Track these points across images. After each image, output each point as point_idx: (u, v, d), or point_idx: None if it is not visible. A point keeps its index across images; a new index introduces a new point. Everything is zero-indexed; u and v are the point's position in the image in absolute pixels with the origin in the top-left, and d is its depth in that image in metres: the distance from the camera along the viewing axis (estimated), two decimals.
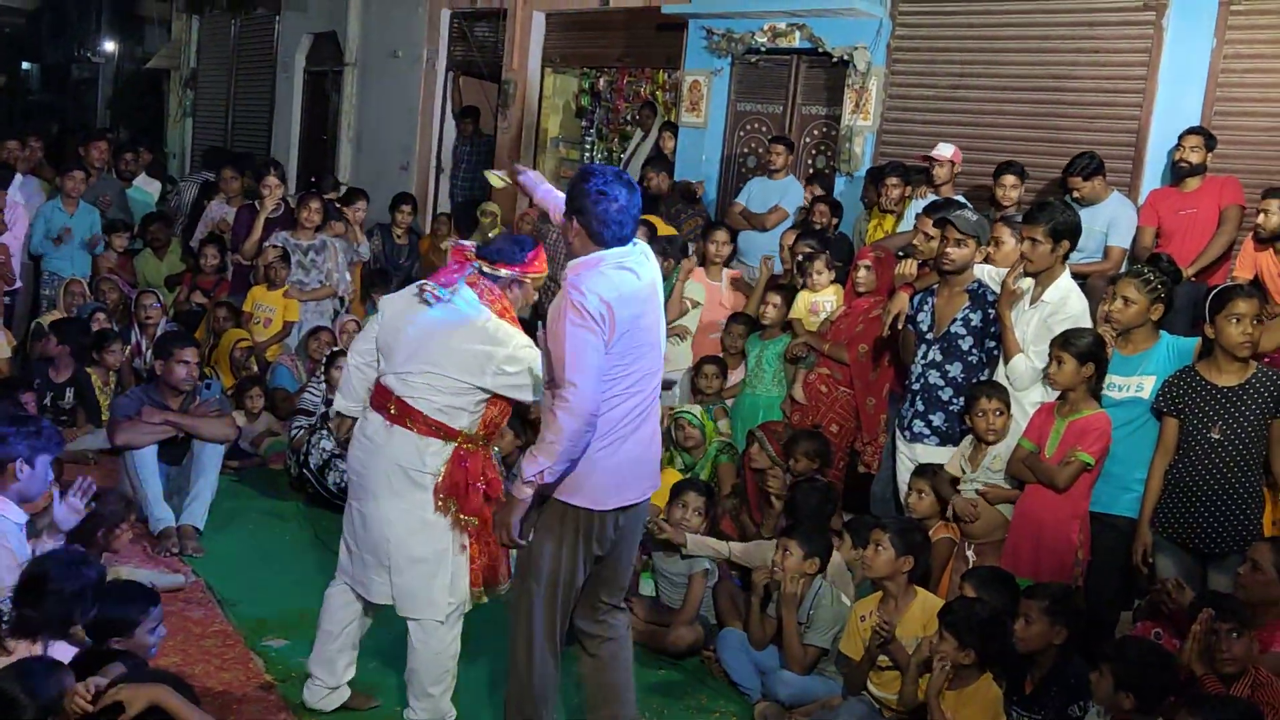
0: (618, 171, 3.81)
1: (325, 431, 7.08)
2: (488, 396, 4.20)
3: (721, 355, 7.18)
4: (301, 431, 7.18)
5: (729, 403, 7.03)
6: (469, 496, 4.20)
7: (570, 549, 3.88)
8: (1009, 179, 7.20)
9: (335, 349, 7.76)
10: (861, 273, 6.58)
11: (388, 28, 13.57)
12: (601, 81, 11.92)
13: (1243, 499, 4.78)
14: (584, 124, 12.23)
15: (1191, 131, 6.97)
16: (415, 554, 4.22)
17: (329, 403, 7.34)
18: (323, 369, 7.53)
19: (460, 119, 12.79)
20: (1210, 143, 6.91)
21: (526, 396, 4.23)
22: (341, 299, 8.92)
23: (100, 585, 3.68)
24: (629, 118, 11.64)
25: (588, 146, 12.13)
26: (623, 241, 3.76)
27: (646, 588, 5.74)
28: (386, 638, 4.74)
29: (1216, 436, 4.78)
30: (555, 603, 3.92)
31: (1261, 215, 6.33)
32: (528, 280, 4.37)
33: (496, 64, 12.32)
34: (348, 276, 8.95)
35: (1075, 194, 7.01)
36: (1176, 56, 7.48)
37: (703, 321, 7.57)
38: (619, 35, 11.33)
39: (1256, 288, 6.24)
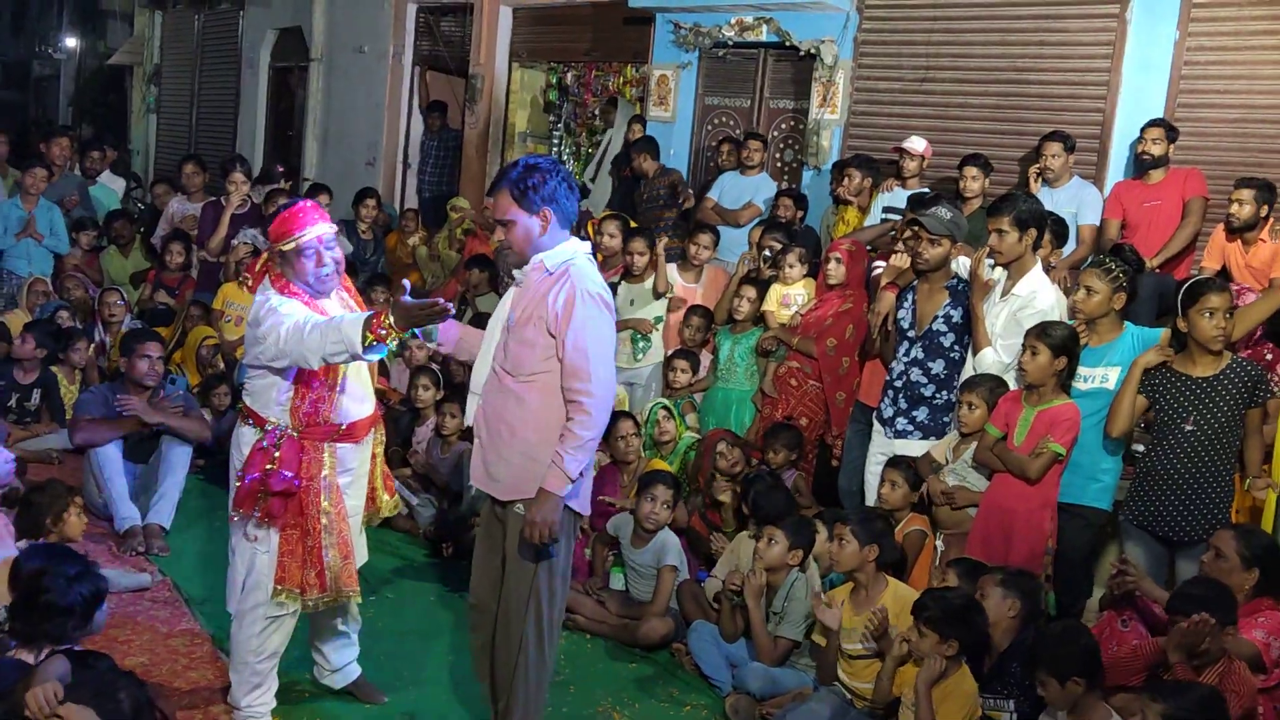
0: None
1: None
2: (284, 375, 4.02)
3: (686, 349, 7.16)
4: None
5: (698, 398, 7.03)
6: (241, 486, 4.07)
7: (568, 549, 3.98)
8: (971, 170, 7.24)
9: None
10: (832, 265, 6.60)
11: (353, 23, 13.49)
12: (569, 76, 11.89)
13: (1213, 489, 4.82)
14: (552, 119, 12.20)
15: (1153, 124, 7.02)
16: (230, 545, 4.26)
17: None
18: None
19: (427, 114, 12.73)
20: (1172, 134, 6.96)
21: (272, 358, 3.95)
22: None
23: (96, 599, 3.65)
24: (597, 113, 11.61)
25: (555, 141, 12.10)
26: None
27: (617, 582, 5.74)
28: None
29: (1190, 428, 4.81)
30: (560, 598, 4.00)
31: (1234, 205, 6.37)
32: (280, 249, 4.04)
33: (463, 59, 12.27)
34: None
35: (1048, 173, 7.09)
36: (1140, 49, 7.53)
37: (674, 321, 7.52)
38: (586, 29, 11.31)
39: (1224, 278, 6.30)
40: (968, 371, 5.43)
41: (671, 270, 7.53)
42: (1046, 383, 4.96)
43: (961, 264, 5.55)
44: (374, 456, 4.36)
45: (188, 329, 8.56)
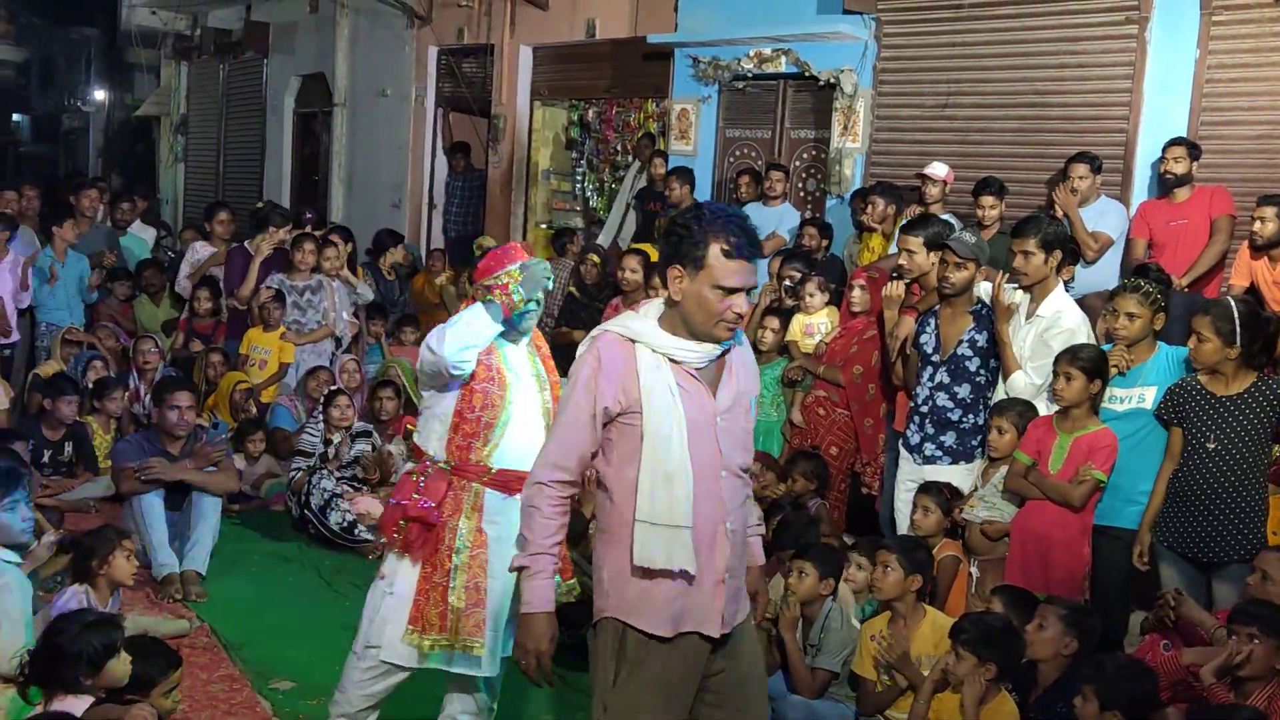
0: None
1: (325, 471, 7.08)
2: (445, 407, 4.00)
3: None
4: (301, 472, 7.18)
5: None
6: (388, 515, 4.07)
7: None
8: (987, 199, 7.24)
9: (334, 388, 7.77)
10: (855, 293, 6.60)
11: (375, 67, 13.64)
12: (590, 113, 11.97)
13: (1243, 508, 4.77)
14: (574, 156, 12.28)
15: (1175, 143, 7.00)
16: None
17: (328, 443, 7.36)
18: (321, 409, 7.53)
19: (451, 154, 12.84)
20: (1194, 153, 6.94)
21: (430, 368, 3.95)
22: (338, 339, 8.92)
23: (108, 649, 3.70)
24: (620, 148, 11.68)
25: (578, 178, 12.17)
26: None
27: None
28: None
29: (1213, 446, 4.78)
30: None
31: (1257, 223, 6.35)
32: (484, 283, 4.01)
33: (485, 99, 12.37)
34: (345, 316, 8.96)
35: (1073, 191, 7.08)
36: (1160, 68, 7.51)
37: None
38: (606, 66, 11.39)
39: (1252, 294, 6.26)
40: (997, 395, 5.41)
41: None
42: (1082, 406, 4.94)
43: (983, 289, 5.55)
44: None
45: (210, 377, 8.63)
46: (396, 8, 13.26)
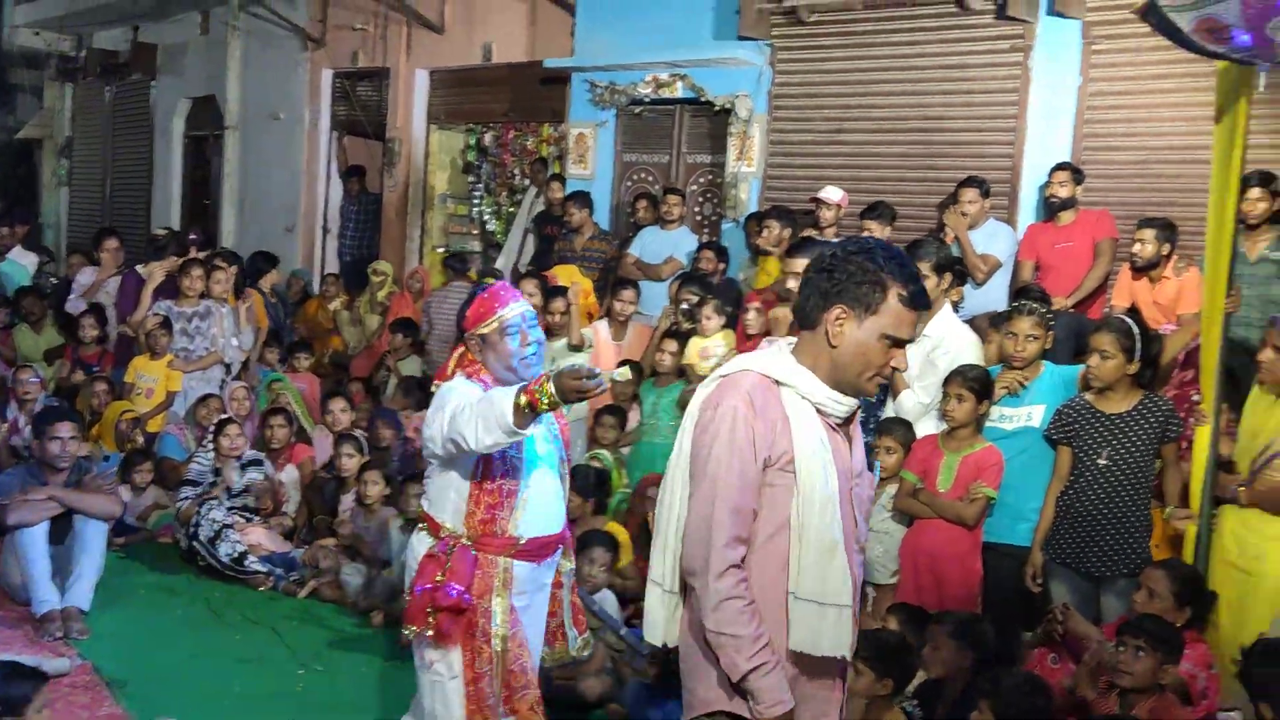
0: None
1: (215, 501, 6.92)
2: (459, 475, 3.69)
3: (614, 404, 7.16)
4: (189, 503, 7.01)
5: (625, 451, 7.02)
6: (411, 600, 3.70)
7: None
8: (873, 224, 7.35)
9: (223, 416, 7.60)
10: (751, 316, 6.65)
11: (268, 90, 13.43)
12: (488, 137, 11.92)
13: (1131, 523, 4.89)
14: (471, 180, 12.21)
15: (1060, 167, 7.19)
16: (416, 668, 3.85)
17: (217, 471, 7.19)
18: (210, 437, 7.36)
19: (346, 178, 12.69)
20: (1078, 177, 7.13)
21: (435, 449, 3.66)
22: (228, 366, 8.73)
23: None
24: (517, 172, 11.64)
25: (476, 202, 12.10)
26: None
27: None
28: None
29: (1104, 463, 4.89)
30: None
31: (1137, 245, 6.53)
32: (479, 332, 3.77)
33: (380, 122, 12.27)
34: (235, 342, 8.77)
35: (963, 215, 7.22)
36: (1045, 95, 7.71)
37: None
38: (503, 90, 11.36)
39: (1133, 315, 6.43)
40: (887, 414, 5.49)
41: (602, 326, 7.57)
42: (969, 426, 5.03)
43: None
44: (558, 585, 3.92)
45: (94, 406, 8.39)
46: (289, 30, 13.10)
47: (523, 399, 3.30)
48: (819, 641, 2.71)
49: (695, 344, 6.98)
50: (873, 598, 5.26)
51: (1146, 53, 7.13)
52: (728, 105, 9.04)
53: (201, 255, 9.56)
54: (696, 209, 9.55)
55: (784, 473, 2.71)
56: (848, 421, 2.85)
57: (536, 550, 3.74)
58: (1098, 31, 7.50)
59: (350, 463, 7.07)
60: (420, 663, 3.76)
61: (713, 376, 2.85)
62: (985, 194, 7.33)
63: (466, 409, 3.46)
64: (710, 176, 9.50)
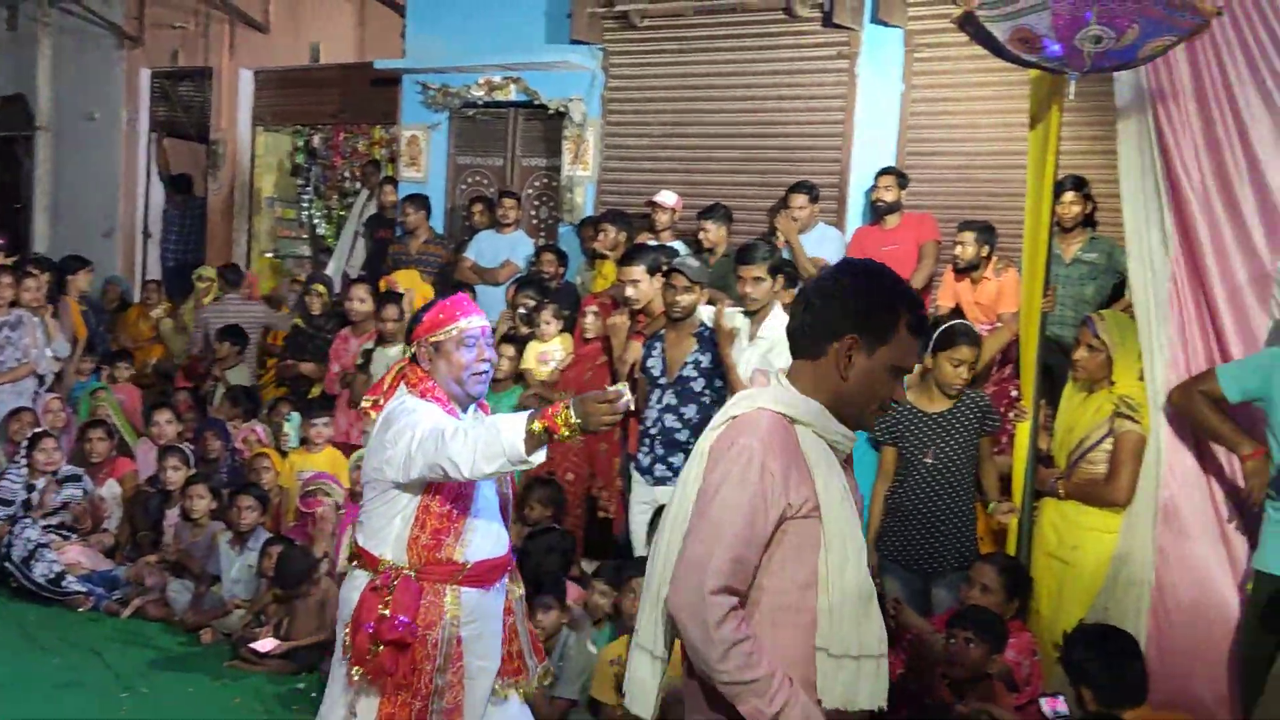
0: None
1: (29, 520, 6.60)
2: (408, 499, 3.47)
3: None
4: (1, 522, 6.65)
5: None
6: (357, 637, 3.44)
7: None
8: (711, 226, 7.44)
9: (38, 430, 7.24)
10: (588, 320, 6.64)
11: (82, 89, 12.87)
12: (316, 139, 11.67)
13: (957, 518, 5.04)
14: (300, 183, 11.93)
15: (885, 172, 7.39)
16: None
17: (30, 488, 6.85)
18: (24, 452, 7.01)
19: (168, 181, 12.25)
20: (903, 181, 7.34)
21: (394, 474, 3.42)
22: (41, 377, 8.30)
23: None
24: (348, 175, 11.42)
25: (305, 205, 11.82)
26: None
27: None
28: None
29: (930, 461, 5.03)
30: None
31: (958, 247, 6.74)
32: (432, 339, 3.57)
33: (204, 124, 11.89)
34: (49, 352, 8.35)
35: (793, 219, 7.35)
36: (870, 101, 7.91)
37: None
38: (332, 92, 11.14)
39: (957, 315, 6.64)
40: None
41: None
42: None
43: (705, 312, 5.70)
44: (509, 611, 3.69)
45: None
46: (104, 27, 12.58)
47: (537, 425, 3.09)
48: (856, 698, 2.51)
49: (533, 348, 6.94)
50: None
51: (965, 61, 7.38)
52: (562, 109, 9.03)
53: (10, 261, 9.08)
54: (532, 212, 9.51)
55: (807, 520, 2.49)
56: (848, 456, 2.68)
57: (483, 575, 3.54)
58: (919, 40, 7.73)
59: (175, 476, 6.82)
60: (343, 708, 3.51)
61: (721, 417, 2.61)
62: (814, 199, 7.49)
63: (459, 433, 3.24)
64: (546, 180, 9.47)
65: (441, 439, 3.24)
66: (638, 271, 5.88)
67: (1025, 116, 4.94)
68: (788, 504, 2.46)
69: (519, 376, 6.90)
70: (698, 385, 5.64)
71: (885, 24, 7.79)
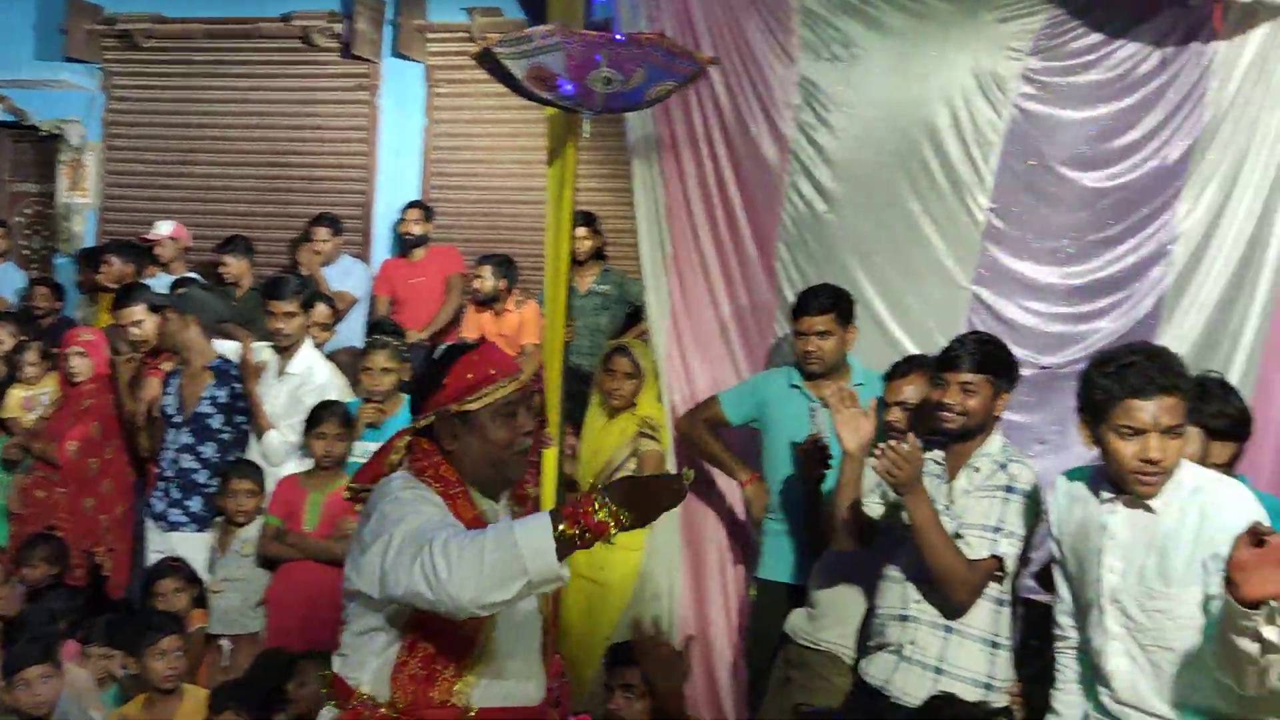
0: None
1: None
2: (385, 616, 2.55)
3: None
4: None
5: None
6: None
7: None
8: (230, 259, 7.15)
9: None
10: (74, 361, 5.94)
11: None
12: None
13: None
14: None
15: (412, 205, 7.45)
16: None
17: None
18: None
19: None
20: (429, 214, 7.41)
21: (369, 588, 2.51)
22: None
23: None
24: None
25: None
26: None
27: None
28: None
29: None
30: None
31: (476, 280, 6.88)
32: (466, 409, 2.62)
33: None
34: None
35: (316, 252, 7.24)
36: (393, 134, 7.93)
37: None
38: None
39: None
40: (252, 454, 5.31)
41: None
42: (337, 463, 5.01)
43: (228, 347, 5.46)
44: None
45: None
46: None
47: (568, 528, 2.25)
48: None
49: (15, 394, 6.15)
50: (229, 649, 5.00)
51: (486, 97, 7.54)
52: (56, 130, 8.36)
53: None
54: (23, 242, 8.70)
55: None
56: None
57: None
58: (440, 75, 7.84)
59: None
60: None
61: None
62: (337, 231, 7.39)
63: (453, 545, 2.30)
64: (39, 207, 8.73)
65: (427, 553, 2.32)
66: (139, 312, 5.67)
67: (544, 153, 5.10)
68: None
69: (2, 425, 6.15)
70: (216, 422, 5.35)
71: (406, 58, 7.85)
